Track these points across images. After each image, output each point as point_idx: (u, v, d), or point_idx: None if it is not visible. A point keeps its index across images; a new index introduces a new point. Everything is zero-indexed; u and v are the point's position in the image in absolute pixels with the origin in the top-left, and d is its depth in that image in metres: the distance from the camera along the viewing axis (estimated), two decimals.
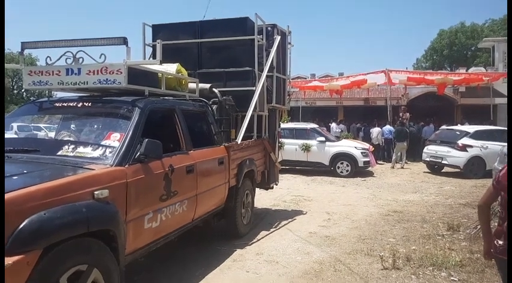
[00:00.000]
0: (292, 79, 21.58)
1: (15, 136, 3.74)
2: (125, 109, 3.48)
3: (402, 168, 13.80)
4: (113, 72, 3.50)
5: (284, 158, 12.25)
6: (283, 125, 13.41)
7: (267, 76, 6.22)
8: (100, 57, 3.57)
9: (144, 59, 6.43)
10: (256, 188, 6.58)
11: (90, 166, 2.87)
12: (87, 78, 3.57)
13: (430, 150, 12.75)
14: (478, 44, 27.57)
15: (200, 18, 6.49)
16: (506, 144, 9.46)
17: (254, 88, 5.79)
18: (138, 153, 3.16)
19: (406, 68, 22.62)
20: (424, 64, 42.18)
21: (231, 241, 5.20)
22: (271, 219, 6.62)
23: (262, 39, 6.21)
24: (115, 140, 3.16)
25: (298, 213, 7.16)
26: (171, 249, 4.60)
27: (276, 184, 7.18)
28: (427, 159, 12.86)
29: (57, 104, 3.73)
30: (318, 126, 13.90)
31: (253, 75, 5.93)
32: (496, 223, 2.37)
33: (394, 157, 14.21)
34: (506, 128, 12.98)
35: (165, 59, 5.09)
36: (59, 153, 3.07)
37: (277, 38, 6.50)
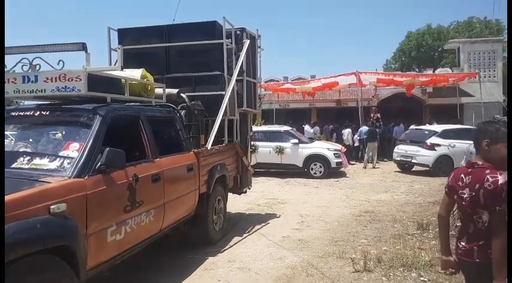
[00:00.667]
0: (265, 82, 21.81)
1: None
2: (85, 117, 3.34)
3: (374, 167, 14.02)
4: (72, 79, 3.36)
5: (258, 161, 12.22)
6: (257, 128, 13.44)
7: (237, 80, 6.16)
8: (58, 64, 3.42)
9: (110, 64, 6.26)
10: (229, 193, 6.53)
11: (46, 179, 2.72)
12: (45, 85, 3.41)
13: (400, 149, 13.00)
14: (444, 46, 28.43)
15: (168, 22, 6.38)
16: (472, 142, 9.76)
17: (224, 92, 5.73)
18: (99, 164, 3.03)
19: (376, 70, 23.00)
20: (394, 65, 43.11)
21: (203, 248, 5.10)
22: (244, 223, 6.55)
23: (231, 43, 6.15)
24: (74, 150, 3.02)
25: (272, 216, 7.13)
26: (140, 258, 4.46)
27: (249, 189, 7.12)
28: (398, 159, 13.12)
29: (13, 113, 3.54)
30: (291, 128, 13.94)
31: (223, 79, 5.86)
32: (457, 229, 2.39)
33: (366, 158, 14.43)
34: (471, 127, 13.42)
35: (132, 64, 4.98)
36: (13, 165, 2.91)
37: (247, 42, 6.45)
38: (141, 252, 4.19)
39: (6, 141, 3.38)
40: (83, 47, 3.31)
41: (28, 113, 3.47)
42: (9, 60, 3.49)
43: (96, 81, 3.62)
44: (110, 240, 3.12)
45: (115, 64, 6.25)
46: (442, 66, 29.65)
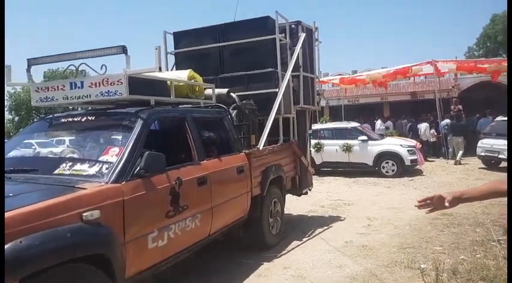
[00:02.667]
0: (332, 76, 21.04)
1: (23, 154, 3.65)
2: (127, 121, 3.31)
3: (459, 164, 12.83)
4: (114, 83, 3.34)
5: (324, 160, 11.81)
6: (322, 125, 12.99)
7: (293, 76, 5.88)
8: (101, 68, 3.43)
9: (167, 69, 6.33)
10: (289, 194, 6.26)
11: (84, 185, 2.69)
12: (90, 91, 3.45)
13: (485, 144, 11.68)
14: None
15: (223, 22, 6.28)
16: None
17: (277, 90, 5.47)
18: (138, 168, 2.96)
19: (456, 58, 21.14)
20: (477, 52, 39.53)
21: (259, 253, 4.89)
22: (305, 226, 6.23)
23: (285, 38, 5.88)
24: (113, 155, 2.98)
25: (336, 219, 6.71)
26: (192, 261, 4.38)
27: (310, 190, 6.78)
28: (482, 154, 11.80)
29: (63, 120, 3.64)
30: (359, 124, 13.24)
31: (276, 76, 5.61)
32: None
33: (451, 151, 13.27)
34: None
35: (188, 66, 4.94)
36: (56, 171, 2.94)
37: (302, 36, 6.13)
38: (194, 255, 4.11)
39: (56, 149, 3.46)
40: (123, 50, 3.27)
41: (76, 119, 3.54)
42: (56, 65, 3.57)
43: (141, 84, 3.59)
44: (152, 246, 3.03)
45: (172, 69, 6.35)
46: None
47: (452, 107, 16.67)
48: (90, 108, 4.24)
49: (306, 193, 6.59)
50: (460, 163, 12.82)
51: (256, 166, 4.75)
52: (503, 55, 31.81)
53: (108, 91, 3.36)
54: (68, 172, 2.92)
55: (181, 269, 4.13)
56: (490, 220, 6.08)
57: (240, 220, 4.55)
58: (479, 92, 19.27)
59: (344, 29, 64.40)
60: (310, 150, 6.99)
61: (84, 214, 2.46)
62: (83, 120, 3.49)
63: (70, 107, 4.46)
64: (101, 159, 3.00)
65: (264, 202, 4.91)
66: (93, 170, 2.90)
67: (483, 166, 12.09)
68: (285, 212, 5.87)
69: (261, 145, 4.82)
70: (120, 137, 3.22)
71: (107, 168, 2.89)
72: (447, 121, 14.26)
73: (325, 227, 6.14)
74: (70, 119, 3.57)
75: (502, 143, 11.01)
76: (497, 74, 16.13)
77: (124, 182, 2.85)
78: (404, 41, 70.00)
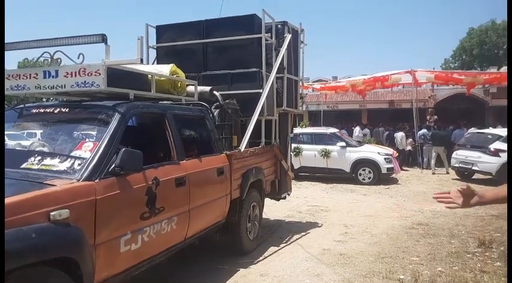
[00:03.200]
0: (313, 81, 21.15)
1: None
2: (103, 114, 3.10)
3: (447, 173, 13.03)
4: (91, 74, 3.12)
5: (302, 164, 11.77)
6: (301, 130, 12.96)
7: (277, 77, 5.76)
8: (78, 58, 3.20)
9: (148, 63, 6.10)
10: (268, 199, 6.13)
11: (53, 182, 2.48)
12: (65, 81, 3.21)
13: (460, 155, 11.91)
14: None
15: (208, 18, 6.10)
16: None
17: (261, 90, 5.34)
18: (113, 166, 2.76)
19: (433, 68, 21.58)
20: (453, 64, 40.68)
21: (235, 259, 4.74)
22: (282, 232, 6.12)
23: (271, 38, 5.76)
24: (86, 150, 2.77)
25: (313, 225, 6.63)
26: (165, 266, 4.19)
27: (289, 194, 6.66)
28: (457, 165, 12.02)
29: (34, 111, 3.39)
30: (338, 130, 13.28)
31: (260, 76, 5.48)
32: None
33: (433, 162, 13.44)
34: None
35: (170, 62, 4.74)
36: (23, 165, 2.71)
37: (288, 36, 6.03)
38: (168, 259, 3.92)
39: (27, 142, 3.20)
40: (102, 38, 3.06)
41: (48, 110, 3.29)
42: (31, 55, 3.32)
43: (120, 76, 3.39)
44: (124, 250, 2.83)
45: (153, 63, 6.13)
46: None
47: (428, 117, 17.00)
48: (64, 99, 3.99)
49: (285, 198, 6.48)
50: (447, 173, 13.02)
51: (237, 169, 4.60)
52: (478, 68, 32.77)
53: (85, 82, 3.14)
54: (36, 167, 2.69)
55: (153, 274, 3.92)
56: (465, 231, 6.13)
57: (218, 224, 4.38)
58: (454, 104, 19.79)
59: (325, 35, 65.09)
60: (291, 154, 6.88)
61: (52, 213, 2.25)
62: (55, 111, 3.25)
63: (44, 98, 4.19)
64: (73, 154, 2.79)
65: (242, 206, 4.76)
66: (64, 166, 2.68)
67: (456, 177, 12.32)
68: (262, 217, 5.74)
69: (242, 147, 4.68)
70: (95, 132, 3.02)
71: (79, 164, 2.68)
72: (424, 131, 14.50)
73: (303, 233, 6.04)
74: (42, 110, 3.32)
75: (476, 155, 11.25)
76: (472, 86, 16.54)
77: (97, 180, 2.65)
78: (384, 50, 71.38)
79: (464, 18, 66.46)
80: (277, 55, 5.77)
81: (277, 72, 5.65)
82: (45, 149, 3.06)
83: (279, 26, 6.04)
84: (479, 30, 38.19)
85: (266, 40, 5.57)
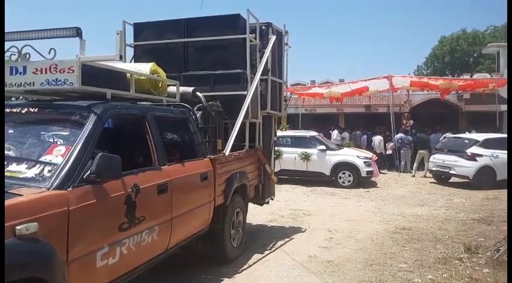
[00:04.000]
0: (291, 85, 21.11)
1: None
2: (77, 115, 2.81)
3: (425, 176, 13.13)
4: (63, 71, 2.83)
5: (282, 168, 11.61)
6: (281, 133, 12.81)
7: (260, 80, 5.57)
8: (49, 53, 2.91)
9: (125, 62, 5.78)
10: (250, 203, 5.92)
11: (20, 191, 2.19)
12: (34, 78, 2.90)
13: (437, 159, 12.05)
14: (482, 50, 26.96)
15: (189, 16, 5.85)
16: None
17: (246, 92, 5.14)
18: (89, 172, 2.48)
19: (409, 74, 21.96)
20: (425, 71, 41.62)
21: (219, 268, 4.50)
22: (266, 238, 5.91)
23: (256, 39, 5.57)
24: (58, 155, 2.48)
25: (297, 230, 6.47)
26: (147, 277, 3.90)
27: (272, 199, 6.48)
28: (434, 169, 12.16)
29: None
30: (318, 133, 13.22)
31: (245, 77, 5.28)
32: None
33: (415, 165, 13.57)
34: None
35: (149, 61, 4.46)
36: None
37: (272, 38, 5.86)
38: (148, 271, 3.63)
39: None
40: (76, 32, 2.79)
41: (15, 110, 2.97)
42: None
43: (95, 74, 3.10)
44: (100, 265, 2.56)
45: (130, 62, 5.82)
46: (478, 71, 28.23)
47: (404, 121, 17.22)
48: (33, 98, 3.66)
49: (268, 202, 6.29)
50: (425, 176, 13.12)
51: (221, 174, 4.38)
52: (449, 75, 33.63)
53: (57, 79, 2.84)
54: None
55: None
56: (448, 236, 6.09)
57: (201, 232, 4.13)
58: (428, 109, 20.13)
59: (303, 38, 65.54)
60: (273, 158, 6.70)
61: (17, 227, 1.97)
62: (23, 111, 2.93)
63: (13, 98, 3.84)
64: (42, 159, 2.50)
65: (226, 213, 4.53)
66: (32, 172, 2.39)
67: (434, 180, 12.45)
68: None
69: (227, 151, 4.45)
70: (67, 134, 2.73)
71: (49, 171, 2.39)
72: (401, 135, 14.64)
73: (287, 239, 5.86)
74: (7, 110, 2.99)
75: (453, 159, 11.41)
76: (447, 92, 16.88)
77: (70, 188, 2.37)
78: (361, 55, 72.43)
79: (436, 26, 68.26)
80: (261, 57, 5.59)
81: (261, 74, 5.46)
82: (11, 153, 2.74)
83: (263, 27, 5.87)
84: (451, 38, 39.23)
85: (250, 41, 5.38)
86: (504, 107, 18.74)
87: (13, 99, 4.18)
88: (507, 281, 1.51)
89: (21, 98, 3.98)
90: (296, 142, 12.09)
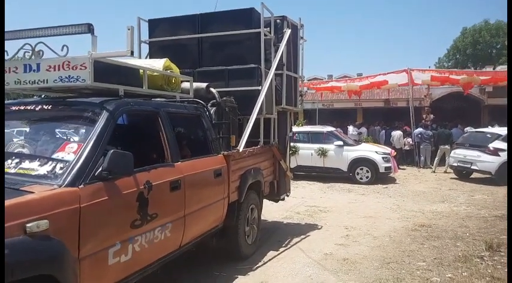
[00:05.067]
0: (308, 80, 20.93)
1: None
2: (90, 112, 2.81)
3: (445, 172, 12.87)
4: (76, 68, 2.84)
5: (299, 164, 11.53)
6: (298, 129, 12.71)
7: (275, 74, 5.50)
8: (62, 50, 2.92)
9: (140, 58, 5.80)
10: (266, 200, 5.87)
11: (32, 188, 2.20)
12: (48, 75, 2.92)
13: (458, 154, 11.74)
14: (505, 41, 26.12)
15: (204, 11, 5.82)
16: None
17: (260, 87, 5.08)
18: (100, 169, 2.48)
19: (429, 67, 21.46)
20: (447, 63, 40.68)
21: (234, 265, 4.48)
22: (281, 235, 5.86)
23: (270, 33, 5.49)
24: (70, 152, 2.48)
25: (313, 227, 6.39)
26: (158, 272, 3.90)
27: (288, 196, 6.42)
28: (455, 164, 11.85)
29: (13, 108, 3.08)
30: (335, 129, 13.06)
31: (259, 73, 5.21)
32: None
33: (436, 161, 13.31)
34: None
35: (163, 57, 4.44)
36: None
37: (287, 32, 5.77)
38: (161, 268, 3.64)
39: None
40: (88, 28, 2.78)
41: (29, 108, 3.00)
42: (11, 47, 3.03)
43: (108, 71, 3.11)
44: (113, 262, 2.56)
45: (145, 58, 5.83)
46: (501, 64, 27.41)
47: (424, 115, 16.86)
48: (47, 95, 3.69)
49: (283, 199, 6.23)
50: (446, 172, 12.86)
51: (235, 170, 4.34)
52: (471, 67, 32.76)
53: (69, 76, 2.85)
54: (13, 170, 2.40)
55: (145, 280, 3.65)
56: (469, 234, 5.92)
57: (215, 229, 4.11)
58: (449, 102, 19.67)
59: (320, 33, 64.91)
60: (289, 154, 6.63)
61: (28, 225, 1.97)
62: (37, 109, 2.96)
63: (35, 96, 3.88)
64: (55, 156, 2.50)
65: (241, 209, 4.50)
66: (44, 169, 2.40)
67: (455, 176, 12.15)
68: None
69: (241, 147, 4.41)
70: (80, 131, 2.73)
71: (61, 168, 2.40)
72: (420, 129, 14.34)
73: (302, 236, 5.79)
74: (22, 107, 3.03)
75: (474, 154, 11.09)
76: (468, 86, 16.40)
77: (82, 185, 2.37)
78: (379, 48, 71.40)
79: (458, 18, 66.63)
80: (276, 51, 5.52)
81: (276, 69, 5.39)
82: (25, 151, 2.77)
83: (278, 20, 5.78)
84: (473, 29, 38.21)
85: (265, 35, 5.30)
86: None
87: (35, 97, 4.24)
88: (507, 281, 1.43)
89: (33, 95, 4.02)
90: (313, 138, 11.96)
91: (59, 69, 2.88)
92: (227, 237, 4.42)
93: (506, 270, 4.31)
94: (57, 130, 2.91)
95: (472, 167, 11.18)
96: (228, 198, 4.20)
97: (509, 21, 2.26)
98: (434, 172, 13.01)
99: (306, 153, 11.50)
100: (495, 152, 10.66)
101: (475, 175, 11.67)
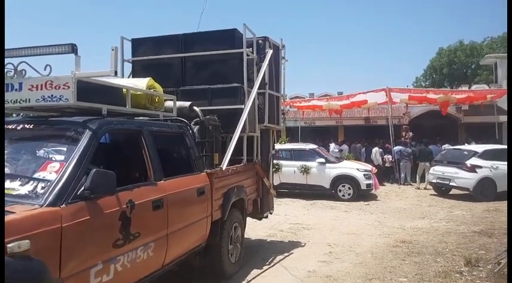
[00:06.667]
0: (290, 98, 21.21)
1: None
2: (72, 131, 2.81)
3: (425, 188, 13.14)
4: (59, 87, 2.85)
5: (282, 181, 11.59)
6: (281, 146, 12.82)
7: (258, 93, 5.59)
8: (45, 69, 2.93)
9: (123, 77, 5.82)
10: (249, 218, 5.88)
11: (13, 208, 2.17)
12: (30, 94, 2.92)
13: (437, 171, 12.02)
14: (480, 61, 27.20)
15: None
16: None
17: (243, 106, 5.15)
18: (83, 188, 2.47)
19: (407, 86, 22.07)
20: (424, 83, 41.85)
21: None
22: (265, 253, 5.85)
23: (252, 53, 5.61)
24: (52, 172, 2.47)
25: (296, 245, 6.41)
26: None
27: (271, 213, 6.44)
28: (434, 181, 12.12)
29: None
30: (317, 146, 13.23)
31: (242, 91, 5.30)
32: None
33: (418, 178, 13.66)
34: None
35: (147, 76, 4.48)
36: None
37: (269, 52, 5.90)
38: None
39: None
40: (72, 48, 2.81)
41: (10, 127, 2.97)
42: None
43: (91, 90, 3.12)
44: (94, 282, 2.52)
45: (128, 78, 5.84)
46: (476, 83, 28.38)
47: (403, 133, 17.24)
48: (26, 114, 3.67)
49: (267, 216, 6.25)
50: (425, 188, 13.11)
51: (218, 188, 4.35)
52: (448, 87, 33.79)
53: (52, 96, 2.86)
54: None
55: None
56: (449, 249, 6.03)
57: (198, 247, 4.09)
58: (428, 120, 20.15)
59: (301, 52, 66.09)
60: (272, 171, 6.68)
61: (9, 245, 1.95)
62: (18, 128, 2.94)
63: (13, 114, 3.86)
64: (36, 175, 2.49)
65: (224, 228, 4.49)
66: (25, 189, 2.38)
67: (434, 192, 12.39)
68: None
69: (224, 165, 4.44)
70: (62, 150, 2.72)
71: (43, 188, 2.38)
72: (400, 147, 14.64)
73: (286, 254, 5.80)
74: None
75: (452, 171, 11.38)
76: (446, 105, 16.92)
77: (64, 205, 2.35)
78: (359, 67, 72.95)
79: (434, 38, 68.95)
80: (258, 70, 5.62)
81: (258, 88, 5.49)
82: (6, 170, 2.74)
83: (260, 41, 5.92)
84: (448, 50, 39.55)
85: (247, 55, 5.42)
86: (503, 118, 18.76)
87: (14, 115, 4.20)
88: (507, 281, 1.49)
89: (20, 114, 4.00)
90: (295, 155, 12.08)
91: (41, 89, 2.89)
92: (210, 255, 4.39)
93: None
94: (38, 149, 2.89)
95: (451, 184, 11.44)
96: (211, 216, 4.20)
97: (509, 21, 2.37)
98: (418, 188, 13.25)
99: (289, 171, 11.59)
100: (472, 169, 10.96)
101: (454, 191, 11.94)
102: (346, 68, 73.64)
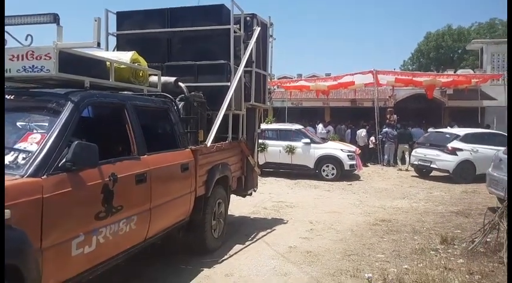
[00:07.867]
0: (278, 78, 21.15)
1: None
2: (54, 103, 2.78)
3: (407, 170, 13.37)
4: (40, 58, 2.80)
5: (267, 160, 11.66)
6: (267, 126, 12.86)
7: (245, 71, 5.57)
8: (26, 39, 2.87)
9: (107, 50, 5.71)
10: (234, 195, 5.95)
11: None
12: (11, 64, 2.86)
13: (419, 153, 12.24)
14: (466, 46, 27.42)
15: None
16: (498, 148, 9.02)
17: (229, 83, 5.13)
18: (64, 160, 2.47)
19: (394, 69, 22.17)
20: (411, 66, 42.10)
21: (199, 258, 4.52)
22: (248, 229, 5.96)
23: (240, 30, 5.55)
24: (33, 143, 2.46)
25: (279, 222, 6.52)
26: (124, 266, 3.90)
27: (255, 191, 6.52)
28: (416, 163, 12.36)
29: None
30: (303, 127, 13.30)
31: (228, 69, 5.27)
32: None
33: (399, 159, 13.99)
34: (497, 131, 12.60)
35: (131, 50, 4.41)
36: None
37: (257, 29, 5.84)
38: (127, 260, 3.64)
39: None
40: (54, 18, 2.75)
41: None
42: None
43: (74, 62, 3.07)
44: (76, 253, 2.55)
45: (113, 51, 5.74)
46: (462, 67, 28.68)
47: (388, 116, 17.42)
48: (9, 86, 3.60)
49: (251, 194, 6.32)
50: (407, 170, 13.35)
51: (202, 165, 4.38)
52: (434, 71, 34.07)
53: (33, 66, 2.81)
54: None
55: (111, 276, 3.63)
56: (426, 228, 6.21)
57: (181, 222, 4.15)
58: (413, 104, 20.41)
59: (289, 33, 65.54)
60: (257, 150, 6.72)
61: None
62: None
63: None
64: (17, 146, 2.47)
65: (207, 204, 4.55)
66: (6, 160, 2.36)
67: (415, 174, 12.65)
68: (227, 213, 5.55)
69: (208, 142, 4.45)
70: (43, 122, 2.69)
71: (24, 158, 2.37)
72: (386, 129, 14.82)
73: (269, 230, 5.91)
74: None
75: (434, 153, 11.60)
76: (432, 89, 17.10)
77: (45, 176, 2.35)
78: (348, 49, 72.89)
79: (422, 22, 68.98)
80: (245, 48, 5.58)
81: (245, 66, 5.46)
82: None
83: (248, 18, 5.85)
84: (436, 34, 39.71)
85: (235, 32, 5.36)
86: (486, 103, 19.14)
87: None
88: (507, 281, 1.56)
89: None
90: (281, 135, 12.13)
91: (22, 59, 2.83)
92: (193, 230, 4.45)
93: (458, 261, 4.60)
94: (19, 120, 2.85)
95: (432, 166, 11.69)
96: (195, 192, 4.24)
97: (509, 21, 2.41)
98: (401, 169, 13.52)
99: (275, 150, 11.65)
100: (453, 151, 11.20)
101: (434, 173, 12.20)
102: (335, 50, 73.53)
